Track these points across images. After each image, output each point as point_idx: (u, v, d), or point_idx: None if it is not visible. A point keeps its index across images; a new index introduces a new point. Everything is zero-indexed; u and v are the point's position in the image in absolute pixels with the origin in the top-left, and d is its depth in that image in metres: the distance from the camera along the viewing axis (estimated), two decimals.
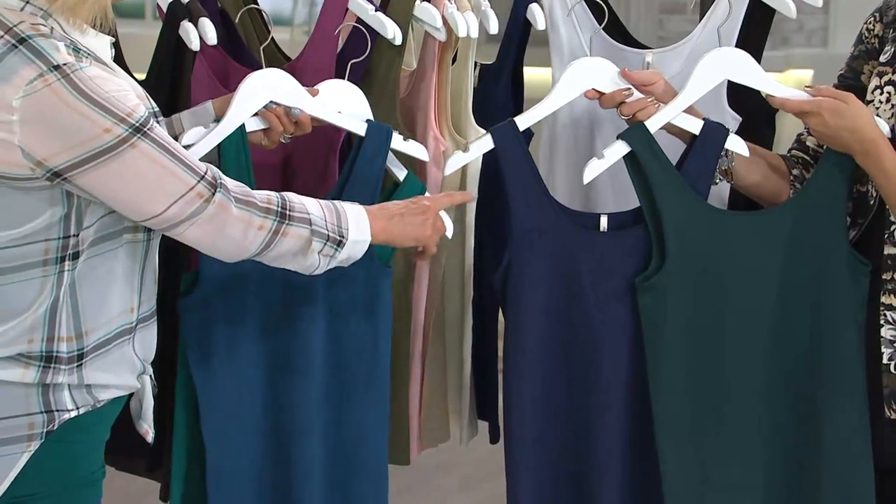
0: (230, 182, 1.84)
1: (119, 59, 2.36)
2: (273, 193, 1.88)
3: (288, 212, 1.87)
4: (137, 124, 1.74)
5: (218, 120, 2.09)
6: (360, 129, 2.15)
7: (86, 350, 1.83)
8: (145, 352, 1.95)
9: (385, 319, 2.19)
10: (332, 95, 2.15)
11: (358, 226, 1.94)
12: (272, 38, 2.47)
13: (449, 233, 2.15)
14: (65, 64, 1.71)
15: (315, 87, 2.14)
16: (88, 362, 1.83)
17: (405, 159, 2.21)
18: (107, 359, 1.86)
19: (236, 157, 2.08)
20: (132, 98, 1.77)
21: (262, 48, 2.39)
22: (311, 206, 1.90)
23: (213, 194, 1.80)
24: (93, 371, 1.84)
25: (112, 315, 1.86)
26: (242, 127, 2.09)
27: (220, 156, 2.07)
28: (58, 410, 1.82)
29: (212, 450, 2.12)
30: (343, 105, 2.16)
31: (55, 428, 1.81)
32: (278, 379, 2.13)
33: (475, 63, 2.43)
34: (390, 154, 2.17)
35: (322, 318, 2.14)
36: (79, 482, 1.87)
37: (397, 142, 2.17)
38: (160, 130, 1.79)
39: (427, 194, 2.16)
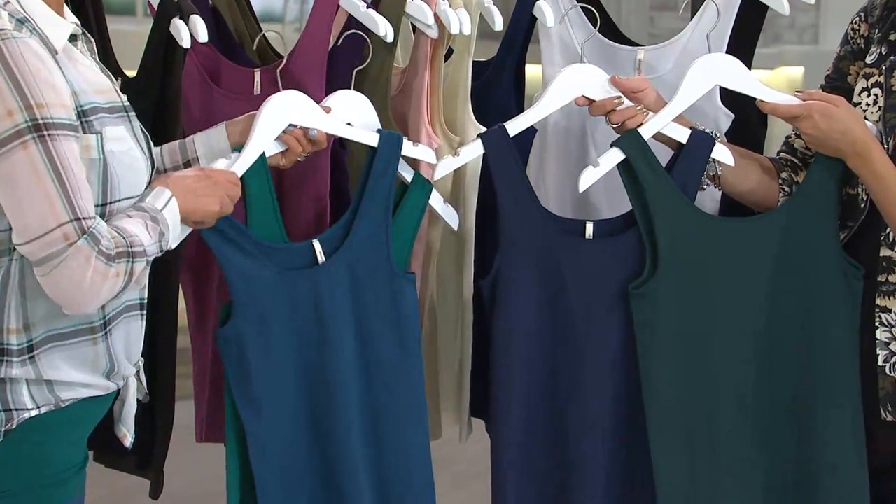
0: (106, 240, 1.70)
1: (110, 55, 2.36)
2: (116, 234, 1.73)
3: (131, 249, 1.74)
4: (41, 121, 1.65)
5: (238, 149, 2.06)
6: (373, 141, 2.15)
7: (34, 342, 1.79)
8: (128, 349, 1.91)
9: (413, 328, 2.17)
10: (342, 108, 2.14)
11: (175, 229, 1.85)
12: (263, 35, 2.47)
13: (454, 224, 2.19)
14: (1, 29, 1.67)
15: (326, 104, 2.13)
16: (42, 355, 1.79)
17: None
18: (66, 353, 1.81)
19: (258, 182, 2.07)
20: (59, 95, 1.69)
21: (255, 46, 2.38)
22: (144, 237, 1.77)
23: (78, 240, 1.67)
24: (50, 367, 1.80)
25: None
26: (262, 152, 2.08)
27: (244, 183, 2.05)
28: (16, 409, 1.78)
29: (259, 471, 2.09)
30: (353, 116, 2.15)
31: (14, 427, 1.78)
32: (317, 402, 2.11)
33: None
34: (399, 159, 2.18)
35: (354, 336, 2.13)
36: (44, 482, 1.83)
37: (407, 148, 2.17)
38: (65, 147, 1.67)
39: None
